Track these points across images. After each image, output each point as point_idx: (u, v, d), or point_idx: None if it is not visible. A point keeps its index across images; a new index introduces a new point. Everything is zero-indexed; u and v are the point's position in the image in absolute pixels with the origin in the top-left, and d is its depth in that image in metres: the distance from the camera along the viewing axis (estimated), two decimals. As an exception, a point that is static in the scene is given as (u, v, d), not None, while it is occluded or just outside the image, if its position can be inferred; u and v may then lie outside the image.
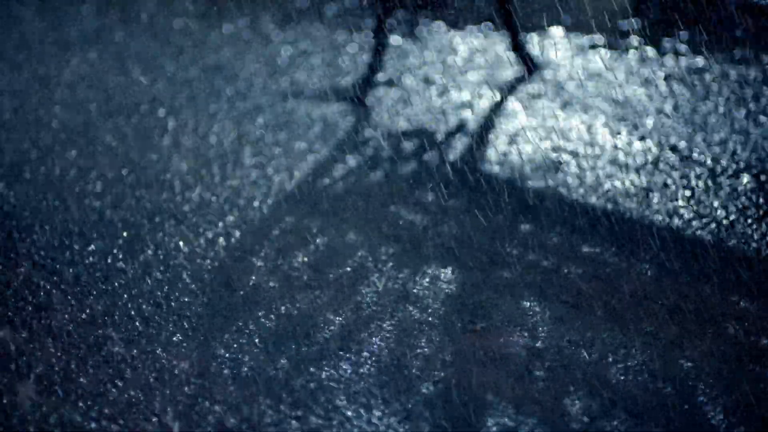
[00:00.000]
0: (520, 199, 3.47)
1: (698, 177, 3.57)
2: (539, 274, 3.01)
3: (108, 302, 2.90)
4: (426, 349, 2.68)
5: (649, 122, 3.99)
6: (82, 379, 2.56)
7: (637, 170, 3.63)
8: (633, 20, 4.99)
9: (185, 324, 2.80)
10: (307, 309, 2.86)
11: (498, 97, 4.28)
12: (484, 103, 4.24)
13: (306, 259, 3.11)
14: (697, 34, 4.76)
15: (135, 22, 5.33)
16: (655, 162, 3.69)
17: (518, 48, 4.58)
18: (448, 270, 3.04)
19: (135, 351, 2.68)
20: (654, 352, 2.65)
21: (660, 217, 3.33)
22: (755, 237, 3.18)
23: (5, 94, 4.41)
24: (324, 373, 2.60)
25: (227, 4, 5.51)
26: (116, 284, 2.99)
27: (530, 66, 4.54)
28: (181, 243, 3.21)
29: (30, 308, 2.86)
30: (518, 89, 4.36)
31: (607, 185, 3.54)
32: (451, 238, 3.23)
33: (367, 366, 2.62)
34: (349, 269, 3.06)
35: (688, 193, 3.47)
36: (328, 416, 2.45)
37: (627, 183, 3.55)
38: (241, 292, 2.95)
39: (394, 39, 4.88)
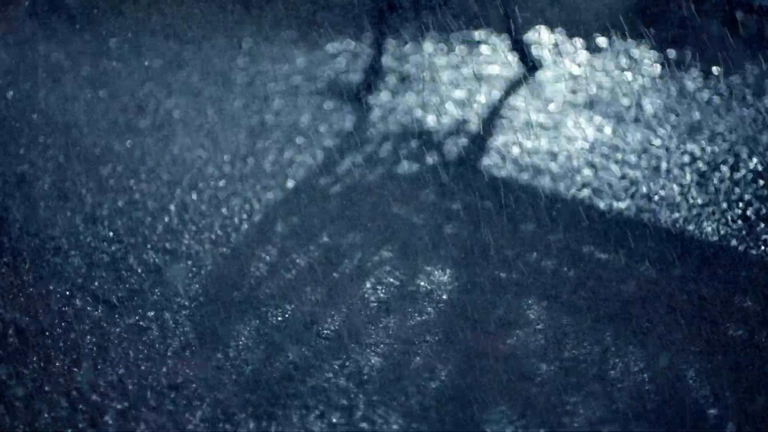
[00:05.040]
0: (521, 198, 3.46)
1: (700, 176, 3.57)
2: (540, 274, 3.01)
3: (106, 289, 2.90)
4: (426, 349, 2.68)
5: (650, 120, 3.99)
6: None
7: (639, 169, 3.63)
8: (633, 20, 4.98)
9: (184, 323, 2.80)
10: (306, 308, 2.86)
11: (498, 97, 4.28)
12: (484, 103, 4.24)
13: (305, 258, 3.11)
14: (697, 35, 4.76)
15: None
16: (660, 160, 3.69)
17: (518, 48, 4.57)
18: (448, 270, 3.04)
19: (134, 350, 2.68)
20: (654, 352, 2.65)
21: (661, 217, 3.32)
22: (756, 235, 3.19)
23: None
24: (323, 372, 2.59)
25: (224, 3, 5.51)
26: (115, 277, 2.99)
27: (530, 66, 4.54)
28: (177, 243, 3.21)
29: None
30: (518, 89, 4.36)
31: (606, 184, 3.54)
32: (452, 238, 3.22)
33: (367, 366, 2.62)
34: (349, 269, 3.05)
35: (688, 192, 3.47)
36: (328, 416, 2.44)
37: (628, 182, 3.55)
38: (241, 291, 2.94)
39: (394, 39, 4.87)
